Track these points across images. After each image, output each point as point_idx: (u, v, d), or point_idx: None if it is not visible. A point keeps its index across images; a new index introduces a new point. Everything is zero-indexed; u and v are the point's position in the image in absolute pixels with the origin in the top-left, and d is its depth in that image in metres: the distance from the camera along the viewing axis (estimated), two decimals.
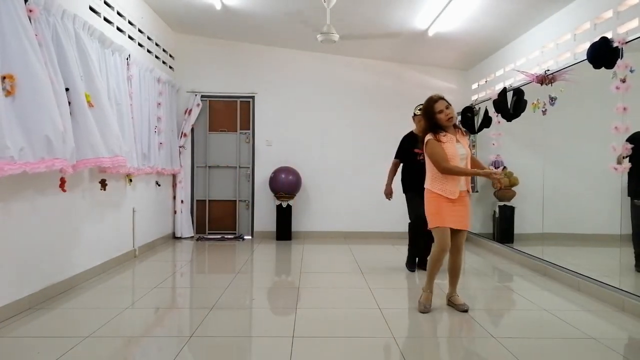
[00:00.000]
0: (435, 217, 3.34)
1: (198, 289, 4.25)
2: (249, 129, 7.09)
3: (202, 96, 6.93)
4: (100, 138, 3.85)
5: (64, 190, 3.59)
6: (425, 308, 3.36)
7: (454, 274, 3.51)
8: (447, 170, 3.24)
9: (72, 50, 3.65)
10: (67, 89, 3.49)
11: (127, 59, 4.89)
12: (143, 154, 5.39)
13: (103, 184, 4.45)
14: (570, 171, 4.87)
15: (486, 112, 6.10)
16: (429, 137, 3.32)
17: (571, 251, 4.87)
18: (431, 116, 3.34)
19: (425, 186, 3.44)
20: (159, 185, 6.23)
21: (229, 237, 6.97)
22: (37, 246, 3.47)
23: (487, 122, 6.08)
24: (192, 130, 7.02)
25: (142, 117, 5.35)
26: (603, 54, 3.62)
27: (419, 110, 4.57)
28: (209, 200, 7.14)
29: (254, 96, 7.04)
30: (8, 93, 2.91)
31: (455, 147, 3.31)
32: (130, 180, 5.20)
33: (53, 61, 3.35)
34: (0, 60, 2.89)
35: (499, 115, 5.66)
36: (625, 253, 3.96)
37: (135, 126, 5.08)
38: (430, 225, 3.38)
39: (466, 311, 3.37)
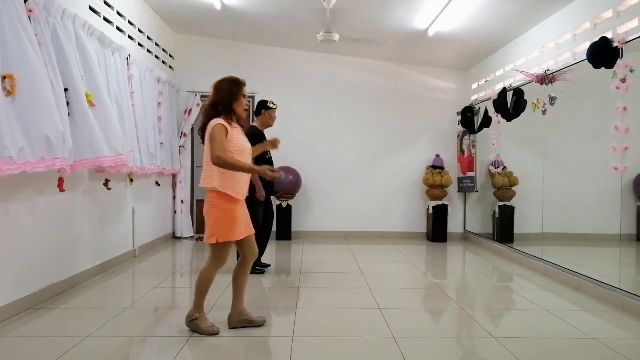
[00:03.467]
0: (232, 230, 2.79)
1: None
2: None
3: (202, 96, 6.91)
4: (103, 137, 3.84)
5: (63, 191, 3.57)
6: (215, 328, 2.89)
7: (244, 287, 3.04)
8: (224, 162, 2.68)
9: (72, 50, 3.65)
10: (66, 90, 3.49)
11: (127, 58, 4.88)
12: (150, 154, 5.42)
13: (107, 184, 4.45)
14: (570, 171, 4.87)
15: (486, 112, 6.10)
16: (219, 121, 2.77)
17: (571, 251, 4.87)
18: (233, 99, 2.85)
19: (207, 186, 2.80)
20: (159, 185, 6.22)
21: None
22: (37, 246, 3.47)
23: (487, 122, 6.08)
24: (192, 130, 7.01)
25: (146, 117, 5.36)
26: (603, 53, 3.62)
27: (273, 104, 4.52)
28: None
29: (254, 96, 7.01)
30: (8, 93, 2.91)
31: (245, 140, 2.91)
32: (132, 180, 5.21)
33: (52, 61, 3.35)
34: (0, 60, 2.89)
35: (499, 115, 5.66)
36: (625, 253, 3.97)
37: (139, 126, 5.09)
38: (221, 239, 2.78)
39: (264, 324, 3.03)
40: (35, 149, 3.06)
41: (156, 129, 5.71)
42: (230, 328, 2.97)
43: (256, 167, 2.84)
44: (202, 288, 2.89)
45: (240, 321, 2.98)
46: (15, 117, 2.95)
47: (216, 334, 2.86)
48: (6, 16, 2.95)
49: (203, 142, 2.88)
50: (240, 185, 2.84)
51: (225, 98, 2.84)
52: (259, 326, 3.00)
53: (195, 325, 2.88)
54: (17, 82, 2.95)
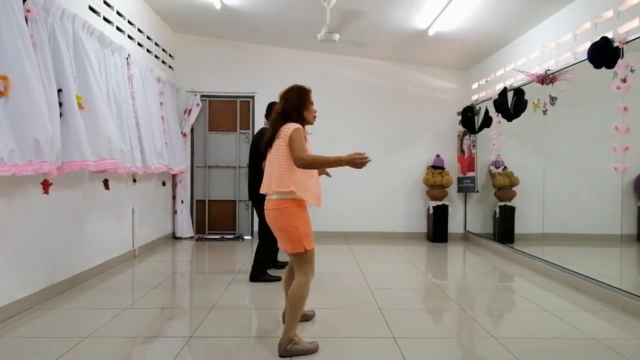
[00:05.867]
0: (309, 236, 2.65)
1: (198, 289, 4.24)
2: (249, 129, 7.08)
3: (201, 96, 6.92)
4: (88, 141, 3.75)
5: (47, 193, 3.48)
6: (315, 343, 2.69)
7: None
8: (308, 162, 2.57)
9: (68, 51, 3.62)
10: (60, 90, 3.46)
11: (127, 58, 4.88)
12: (158, 153, 5.44)
13: (106, 183, 4.43)
14: (570, 171, 4.87)
15: (486, 111, 6.09)
16: (296, 125, 2.67)
17: (571, 251, 4.87)
18: (304, 105, 2.79)
19: (280, 190, 2.61)
20: (164, 184, 6.22)
21: (229, 237, 6.97)
22: (37, 246, 3.47)
23: (487, 122, 6.07)
24: (192, 130, 7.02)
25: (150, 116, 5.37)
26: (604, 53, 3.62)
27: None
28: (209, 201, 7.13)
29: (253, 96, 7.03)
30: (1, 94, 2.89)
31: (312, 150, 2.76)
32: (135, 180, 5.22)
33: (47, 62, 3.32)
34: None
35: (500, 115, 5.65)
36: (626, 253, 3.96)
37: (142, 126, 5.08)
38: (308, 246, 2.62)
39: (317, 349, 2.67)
40: (24, 151, 3.02)
41: (161, 128, 5.72)
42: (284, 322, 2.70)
43: (343, 157, 2.58)
44: (300, 305, 2.62)
45: (291, 350, 2.59)
46: (6, 118, 2.91)
47: (317, 348, 2.66)
48: (2, 16, 2.93)
49: (265, 152, 2.78)
50: (314, 191, 2.70)
51: (295, 106, 2.76)
52: (312, 353, 2.65)
53: (297, 350, 2.58)
54: (10, 83, 2.93)
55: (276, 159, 2.66)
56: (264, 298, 3.87)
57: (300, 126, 2.69)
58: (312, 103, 2.87)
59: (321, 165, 2.65)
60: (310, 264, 2.68)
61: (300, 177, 2.62)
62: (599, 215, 4.44)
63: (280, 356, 2.57)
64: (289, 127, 2.66)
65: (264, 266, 4.40)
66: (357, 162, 2.59)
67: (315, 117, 2.91)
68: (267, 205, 2.71)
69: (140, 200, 5.48)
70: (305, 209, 2.69)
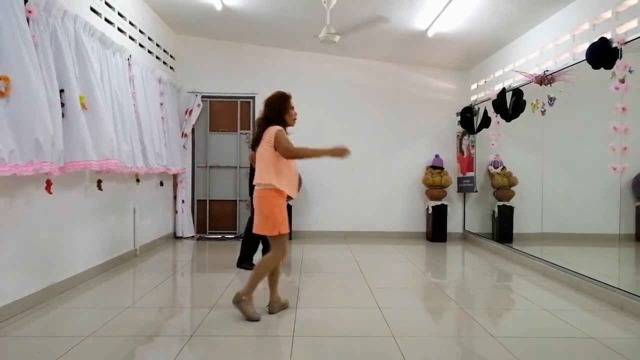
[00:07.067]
0: (286, 222, 3.18)
1: (198, 288, 4.25)
2: (249, 130, 7.10)
3: (202, 96, 6.94)
4: (91, 141, 3.78)
5: (50, 193, 3.51)
6: (257, 315, 3.18)
7: (279, 278, 3.38)
8: (295, 154, 3.09)
9: (69, 52, 3.64)
10: (62, 90, 3.47)
11: (128, 59, 4.90)
12: (156, 153, 5.46)
13: (99, 184, 4.43)
14: (569, 171, 4.88)
15: (485, 112, 6.11)
16: (278, 127, 3.13)
17: (570, 251, 4.88)
18: (284, 111, 3.20)
19: (263, 182, 3.12)
20: (162, 184, 6.23)
21: (230, 236, 6.98)
22: (38, 246, 3.48)
23: (486, 122, 6.09)
24: (193, 130, 7.03)
25: (150, 117, 5.39)
26: (602, 54, 3.63)
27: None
28: (210, 200, 7.15)
29: (254, 96, 7.05)
30: (2, 95, 2.89)
31: None
32: (138, 180, 5.23)
33: (49, 63, 3.33)
34: None
35: (498, 115, 5.67)
36: (624, 253, 3.97)
37: (143, 126, 5.10)
38: (283, 230, 3.14)
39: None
40: (24, 151, 3.03)
41: (160, 129, 5.74)
42: (270, 313, 3.30)
43: (327, 149, 3.11)
44: (260, 274, 3.18)
45: (280, 305, 3.36)
46: (7, 118, 2.92)
47: (257, 320, 3.14)
48: (4, 17, 2.94)
49: (253, 149, 3.24)
50: (291, 183, 3.20)
51: (276, 111, 3.18)
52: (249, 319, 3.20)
53: (241, 307, 3.15)
54: (11, 84, 2.94)
55: (261, 157, 3.14)
56: (263, 297, 3.88)
57: (281, 127, 3.14)
58: (292, 107, 3.26)
59: (306, 154, 3.17)
60: (283, 245, 3.20)
61: (279, 172, 3.11)
62: (598, 215, 4.46)
63: (232, 301, 3.17)
64: (272, 130, 3.11)
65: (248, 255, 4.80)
66: (340, 155, 3.10)
67: (295, 119, 3.30)
68: (255, 193, 3.19)
69: (141, 200, 5.50)
70: (284, 198, 3.17)
